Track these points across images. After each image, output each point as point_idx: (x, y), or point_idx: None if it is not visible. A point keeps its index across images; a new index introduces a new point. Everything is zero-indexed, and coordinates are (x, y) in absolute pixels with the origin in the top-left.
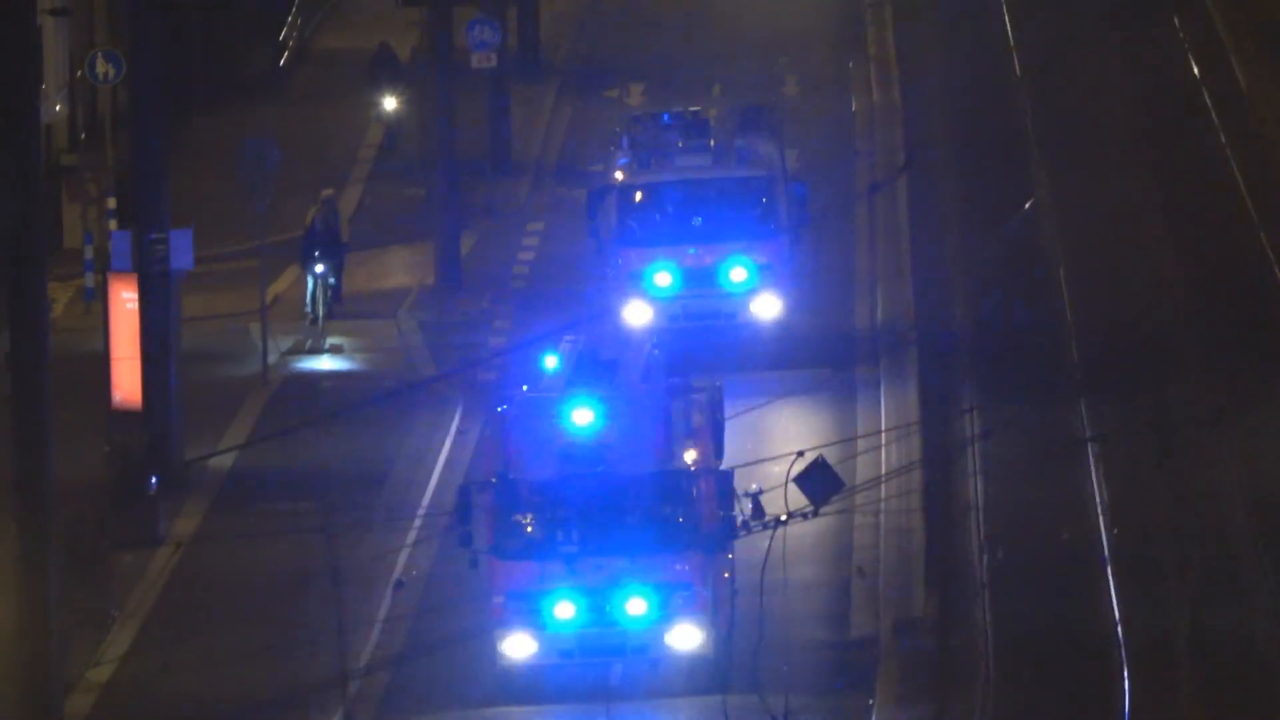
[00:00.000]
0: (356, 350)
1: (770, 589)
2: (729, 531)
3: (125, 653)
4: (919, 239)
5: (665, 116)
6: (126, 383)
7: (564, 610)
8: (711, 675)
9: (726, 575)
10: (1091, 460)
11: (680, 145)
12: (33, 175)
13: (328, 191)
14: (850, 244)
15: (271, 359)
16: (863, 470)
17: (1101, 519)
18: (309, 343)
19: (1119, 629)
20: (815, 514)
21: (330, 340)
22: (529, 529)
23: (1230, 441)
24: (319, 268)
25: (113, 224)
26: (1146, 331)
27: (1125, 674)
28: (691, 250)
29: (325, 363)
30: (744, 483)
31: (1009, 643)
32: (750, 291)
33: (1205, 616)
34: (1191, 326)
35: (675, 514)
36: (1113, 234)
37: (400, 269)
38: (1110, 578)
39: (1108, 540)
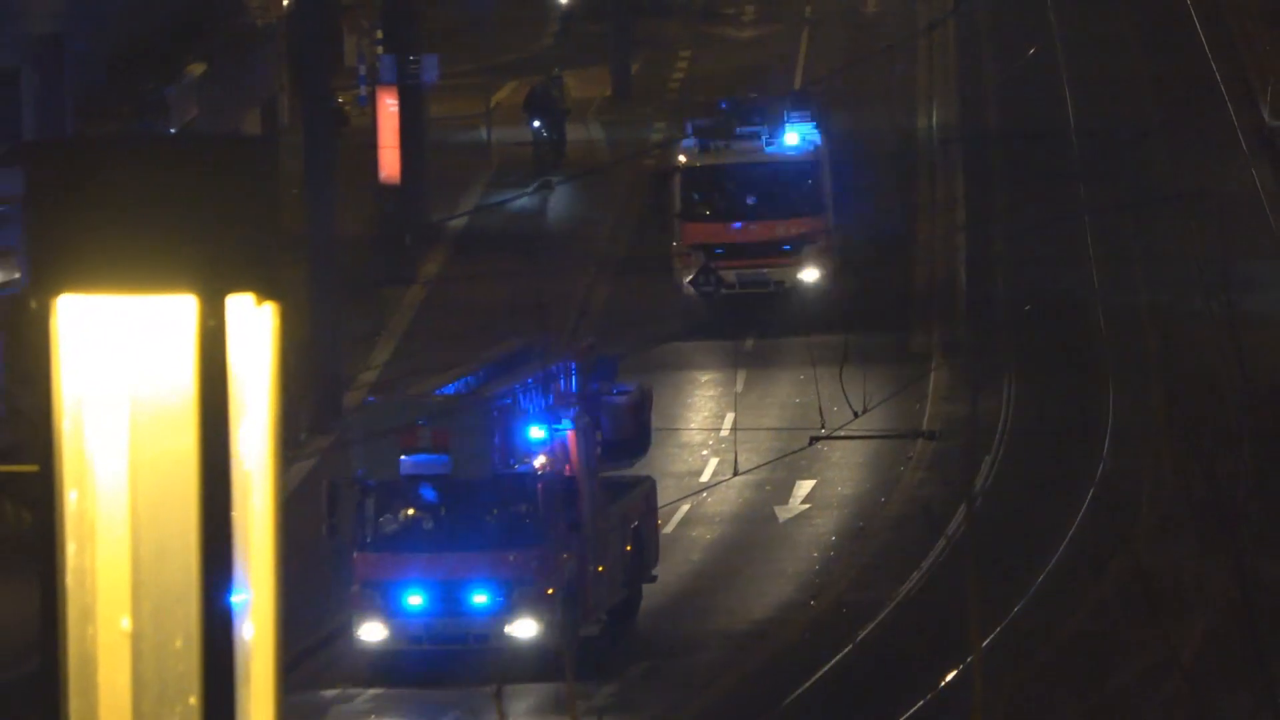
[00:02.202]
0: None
1: (849, 319)
2: (576, 530)
3: (386, 360)
4: (962, 64)
5: (722, 103)
6: (389, 164)
7: (414, 600)
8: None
9: (600, 570)
10: (1087, 229)
11: (735, 130)
12: (320, 13)
13: (556, 71)
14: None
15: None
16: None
17: (1093, 270)
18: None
19: (1104, 349)
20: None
21: (554, 178)
22: (383, 524)
23: (1186, 217)
24: (535, 123)
25: (380, 49)
26: (1128, 132)
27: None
28: (744, 224)
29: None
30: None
31: (1026, 360)
32: (796, 260)
33: (1160, 298)
34: (1161, 130)
35: (518, 514)
36: (1105, 59)
37: (586, 85)
38: (1100, 313)
39: (1098, 282)
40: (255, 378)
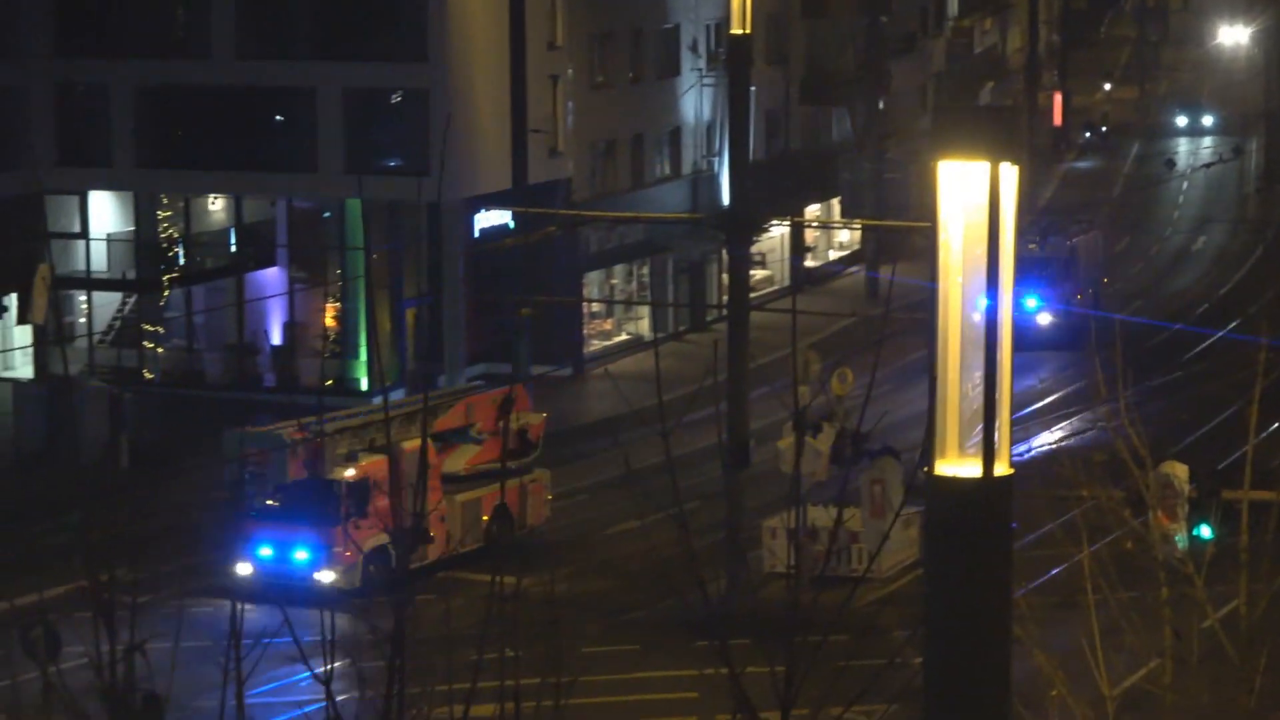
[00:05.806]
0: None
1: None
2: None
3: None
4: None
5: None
6: (1058, 114)
7: (265, 551)
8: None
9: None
10: None
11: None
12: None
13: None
14: None
15: None
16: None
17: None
18: None
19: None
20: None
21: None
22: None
23: None
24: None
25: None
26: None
27: None
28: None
29: None
30: None
31: None
32: (1039, 309)
33: None
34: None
35: (325, 508)
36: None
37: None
38: None
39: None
40: (1008, 198)
